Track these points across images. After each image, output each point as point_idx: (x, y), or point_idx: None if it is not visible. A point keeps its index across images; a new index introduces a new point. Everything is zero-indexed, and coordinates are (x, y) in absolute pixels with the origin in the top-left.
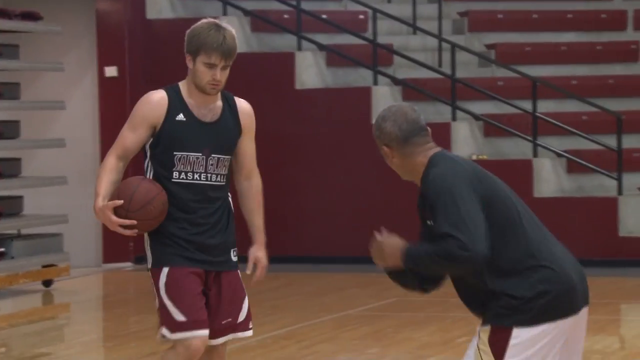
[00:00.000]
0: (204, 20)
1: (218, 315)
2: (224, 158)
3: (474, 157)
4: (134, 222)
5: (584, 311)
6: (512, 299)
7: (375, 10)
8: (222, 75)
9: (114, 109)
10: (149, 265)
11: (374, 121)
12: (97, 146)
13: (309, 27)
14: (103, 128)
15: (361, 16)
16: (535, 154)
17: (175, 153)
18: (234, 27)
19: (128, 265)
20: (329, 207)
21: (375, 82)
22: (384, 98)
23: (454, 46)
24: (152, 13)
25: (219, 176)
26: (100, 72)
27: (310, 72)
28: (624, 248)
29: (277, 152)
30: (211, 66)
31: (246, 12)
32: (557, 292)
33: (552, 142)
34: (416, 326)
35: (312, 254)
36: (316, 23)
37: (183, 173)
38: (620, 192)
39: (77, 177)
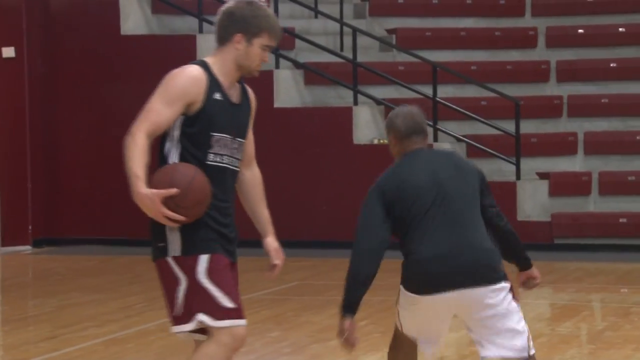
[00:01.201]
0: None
1: None
2: (242, 142)
3: (375, 142)
4: (183, 218)
5: (455, 293)
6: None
7: None
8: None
9: (12, 90)
10: (175, 253)
11: (274, 106)
12: None
13: (210, 9)
14: (0, 110)
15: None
16: (435, 139)
17: (212, 134)
18: (133, 9)
19: (26, 248)
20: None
21: (277, 66)
22: (286, 82)
23: (355, 30)
24: None
25: (238, 162)
26: None
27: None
28: (521, 232)
29: None
30: (267, 49)
31: None
32: (412, 274)
33: (451, 127)
34: (316, 310)
35: None
36: (217, 5)
37: (219, 156)
38: (518, 176)
39: None
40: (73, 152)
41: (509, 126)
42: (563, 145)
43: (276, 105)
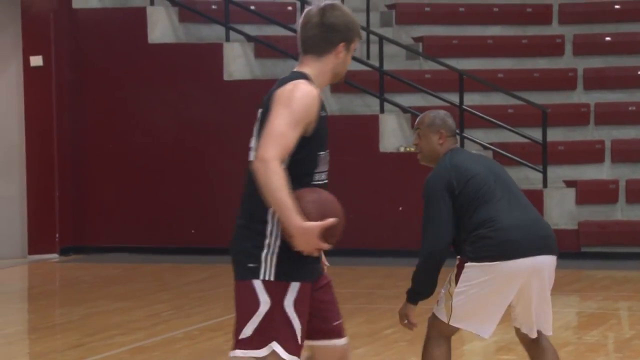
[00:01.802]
0: (332, 3)
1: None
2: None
3: (402, 150)
4: (330, 247)
5: (534, 259)
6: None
7: (303, 2)
8: None
9: (39, 98)
10: (267, 277)
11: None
12: (22, 136)
13: (237, 18)
14: (28, 118)
15: (289, 7)
16: (462, 147)
17: (319, 153)
18: (161, 18)
19: (54, 256)
20: None
21: None
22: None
23: (381, 39)
24: (78, 2)
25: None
26: (26, 62)
27: (239, 63)
28: None
29: (203, 142)
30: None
31: (174, 3)
32: (492, 243)
33: (478, 135)
34: (344, 318)
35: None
36: (244, 14)
37: (323, 174)
38: (545, 184)
39: (2, 167)
40: (100, 160)
41: (536, 134)
42: (590, 153)
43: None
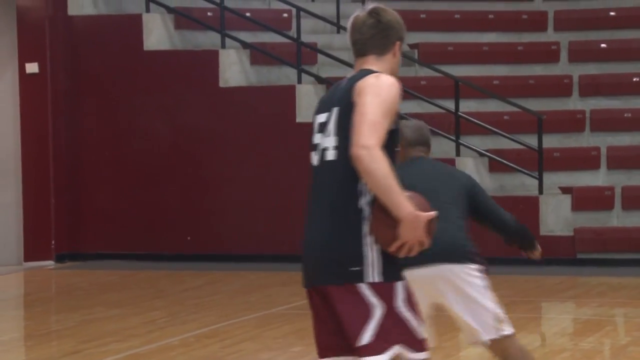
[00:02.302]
0: (379, 5)
1: None
2: None
3: None
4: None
5: (417, 271)
6: None
7: (299, 9)
8: None
9: (35, 105)
10: (373, 279)
11: (297, 121)
12: (17, 143)
13: (232, 25)
14: (24, 125)
15: (285, 14)
16: (457, 153)
17: (396, 149)
18: (156, 25)
19: (49, 263)
20: (252, 205)
21: (300, 81)
22: (308, 96)
23: None
24: (73, 9)
25: None
26: (21, 69)
27: (234, 70)
28: (544, 247)
29: (199, 148)
30: None
31: (169, 9)
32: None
33: (474, 142)
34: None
35: (235, 252)
36: (240, 21)
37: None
38: (541, 191)
39: None
40: (96, 167)
41: (532, 141)
42: (586, 160)
43: (298, 120)
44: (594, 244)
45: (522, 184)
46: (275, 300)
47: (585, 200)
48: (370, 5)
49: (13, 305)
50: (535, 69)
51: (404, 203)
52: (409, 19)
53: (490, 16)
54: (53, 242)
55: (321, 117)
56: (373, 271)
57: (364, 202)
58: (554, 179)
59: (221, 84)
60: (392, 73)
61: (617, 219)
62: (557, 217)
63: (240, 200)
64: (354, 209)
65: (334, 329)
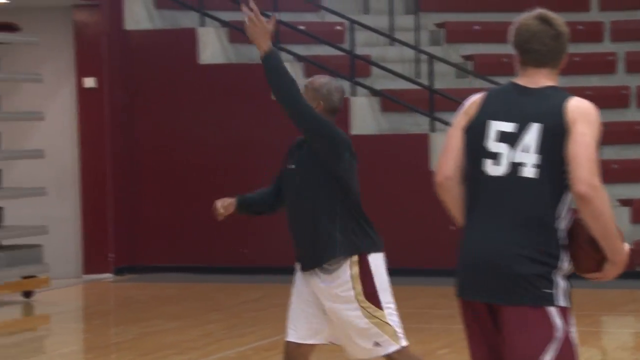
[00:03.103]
0: (547, 11)
1: None
2: None
3: None
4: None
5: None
6: None
7: (352, 22)
8: None
9: (93, 120)
10: (561, 302)
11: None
12: (76, 157)
13: (286, 38)
14: (82, 139)
15: (338, 27)
16: None
17: None
18: (211, 39)
19: (108, 276)
20: None
21: (354, 93)
22: (362, 109)
23: (431, 57)
24: (130, 24)
25: None
26: (79, 83)
27: None
28: None
29: (253, 161)
30: None
31: (223, 23)
32: None
33: None
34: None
35: (291, 264)
36: (294, 34)
37: None
38: None
39: (57, 188)
40: (153, 180)
41: None
42: None
43: (353, 132)
44: None
45: None
46: None
47: None
48: (539, 11)
49: (72, 318)
50: (592, 80)
51: (622, 249)
52: (463, 31)
53: None
54: (112, 255)
55: (505, 126)
56: (560, 294)
57: (562, 225)
58: (613, 191)
59: (274, 97)
60: None
61: None
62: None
63: None
64: (551, 230)
65: (494, 345)
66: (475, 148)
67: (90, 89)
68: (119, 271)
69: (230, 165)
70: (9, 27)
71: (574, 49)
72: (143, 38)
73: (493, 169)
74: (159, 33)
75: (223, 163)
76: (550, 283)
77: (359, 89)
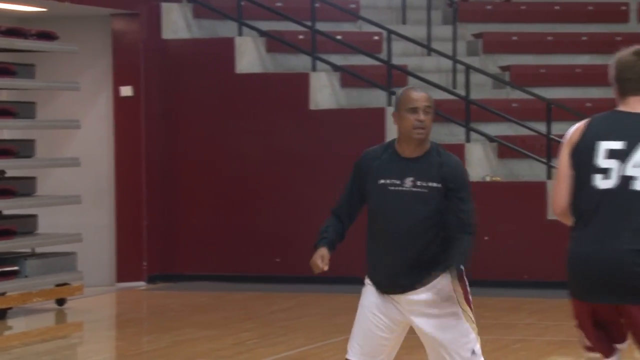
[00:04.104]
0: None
1: None
2: None
3: (488, 179)
4: None
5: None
6: None
7: (389, 32)
8: None
9: (129, 128)
10: None
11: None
12: (111, 166)
13: (323, 47)
14: (118, 147)
15: (376, 37)
16: (549, 176)
17: None
18: (248, 48)
19: (141, 284)
20: None
21: (390, 103)
22: None
23: (468, 68)
24: (167, 33)
25: None
26: (116, 92)
27: (325, 92)
28: None
29: (289, 171)
30: None
31: (261, 33)
32: None
33: None
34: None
35: (324, 274)
36: (331, 44)
37: None
38: None
39: (92, 196)
40: (188, 189)
41: None
42: None
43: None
44: None
45: None
46: None
47: None
48: (635, 47)
49: (105, 326)
50: None
51: None
52: (500, 41)
53: (584, 38)
54: (145, 263)
55: (614, 144)
56: None
57: None
58: None
59: (312, 107)
60: None
61: None
62: None
63: None
64: None
65: (613, 338)
66: (585, 166)
67: (127, 98)
68: (152, 279)
69: (266, 174)
70: (47, 36)
71: (611, 60)
72: (181, 47)
73: (603, 183)
74: (196, 42)
75: (258, 172)
76: None
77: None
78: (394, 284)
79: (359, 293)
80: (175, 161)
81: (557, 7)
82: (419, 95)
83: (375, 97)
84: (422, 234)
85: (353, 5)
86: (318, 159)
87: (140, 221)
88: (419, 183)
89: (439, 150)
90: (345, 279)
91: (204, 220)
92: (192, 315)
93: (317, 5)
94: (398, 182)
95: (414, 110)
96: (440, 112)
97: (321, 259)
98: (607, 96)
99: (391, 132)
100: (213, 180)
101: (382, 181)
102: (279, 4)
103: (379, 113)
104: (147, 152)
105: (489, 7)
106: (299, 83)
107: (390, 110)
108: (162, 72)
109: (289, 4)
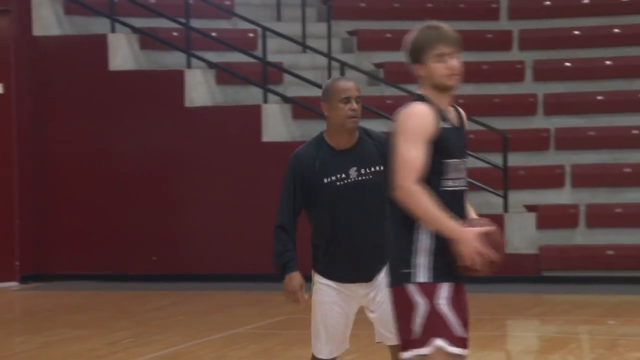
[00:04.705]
0: None
1: None
2: None
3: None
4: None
5: None
6: None
7: (264, 29)
8: None
9: (0, 127)
10: (419, 279)
11: (262, 140)
12: None
13: (198, 44)
14: None
15: (251, 34)
16: None
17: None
18: (122, 45)
19: (14, 284)
20: (217, 225)
21: (265, 100)
22: (274, 116)
23: (343, 65)
24: (38, 30)
25: None
26: None
27: (200, 89)
28: (509, 264)
29: (165, 168)
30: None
31: (135, 30)
32: None
33: None
34: (305, 343)
35: (200, 272)
36: (206, 41)
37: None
38: (506, 209)
39: None
40: (61, 188)
41: (497, 159)
42: (551, 178)
43: (264, 139)
44: (559, 261)
45: (487, 202)
46: (240, 320)
47: (550, 218)
48: None
49: None
50: (500, 87)
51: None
52: (375, 38)
53: None
54: (17, 263)
55: None
56: (421, 273)
57: None
58: (519, 197)
59: (187, 104)
60: None
61: (582, 236)
62: (522, 235)
63: (205, 219)
64: None
65: None
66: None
67: None
68: (24, 279)
69: (141, 172)
70: None
71: (482, 57)
72: (52, 44)
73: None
74: (68, 39)
75: (133, 170)
76: (408, 264)
77: (271, 96)
78: (357, 274)
79: (235, 290)
80: (48, 160)
81: (429, 5)
82: (349, 85)
83: (250, 94)
84: (381, 218)
85: (228, 2)
86: (194, 156)
87: (12, 220)
88: (362, 171)
89: (367, 131)
90: (220, 276)
91: (79, 219)
92: (65, 315)
93: (191, 2)
94: (343, 175)
95: (347, 100)
96: (316, 110)
97: (300, 288)
98: (477, 92)
99: (266, 128)
100: (87, 178)
101: (327, 179)
102: (152, 1)
103: (255, 110)
104: (18, 150)
105: (363, 4)
106: (174, 80)
107: (265, 108)
108: (34, 70)
109: (163, 1)
